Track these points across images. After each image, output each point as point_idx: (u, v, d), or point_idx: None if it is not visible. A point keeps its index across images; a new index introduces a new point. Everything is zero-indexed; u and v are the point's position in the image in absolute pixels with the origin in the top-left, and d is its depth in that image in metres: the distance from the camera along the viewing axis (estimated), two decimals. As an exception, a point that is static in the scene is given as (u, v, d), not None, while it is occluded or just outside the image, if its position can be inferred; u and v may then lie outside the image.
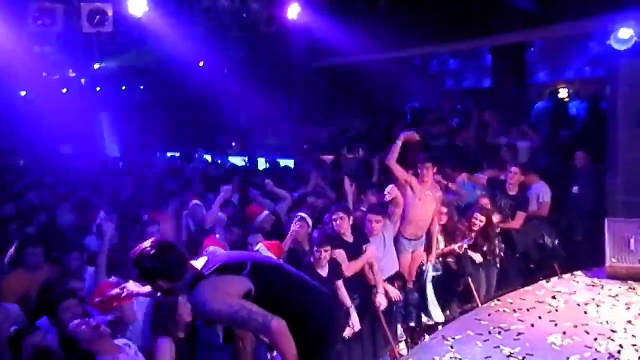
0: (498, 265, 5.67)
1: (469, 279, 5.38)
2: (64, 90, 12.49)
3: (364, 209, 5.06)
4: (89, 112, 12.83)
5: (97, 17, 6.15)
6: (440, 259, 5.33)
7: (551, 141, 7.90)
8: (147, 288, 2.79)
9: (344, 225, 4.47)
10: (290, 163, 9.58)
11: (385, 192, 4.87)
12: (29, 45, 8.06)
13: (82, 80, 12.47)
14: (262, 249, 4.11)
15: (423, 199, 4.95)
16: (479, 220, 5.34)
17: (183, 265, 2.50)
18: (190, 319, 3.59)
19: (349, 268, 4.38)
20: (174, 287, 2.52)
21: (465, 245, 5.29)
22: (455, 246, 5.29)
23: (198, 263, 2.56)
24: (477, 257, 5.40)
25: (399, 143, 4.88)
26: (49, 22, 6.11)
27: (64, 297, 3.41)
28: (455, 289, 5.38)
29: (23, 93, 12.33)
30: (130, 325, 3.55)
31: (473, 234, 5.40)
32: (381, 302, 4.51)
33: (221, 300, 2.39)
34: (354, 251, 4.49)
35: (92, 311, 3.48)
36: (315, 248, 4.10)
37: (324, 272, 4.21)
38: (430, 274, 5.16)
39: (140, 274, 2.52)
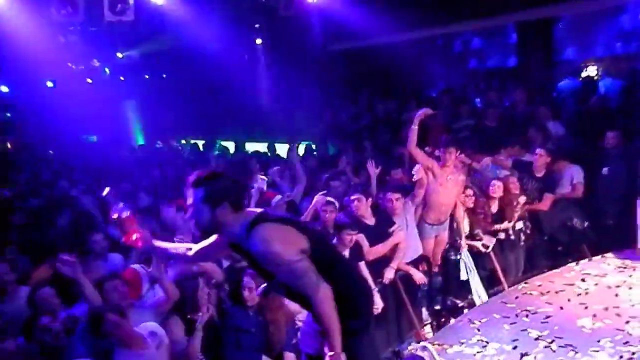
0: (523, 245, 5.59)
1: (495, 262, 5.32)
2: (89, 80, 12.68)
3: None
4: (114, 101, 13.03)
5: (119, 5, 6.20)
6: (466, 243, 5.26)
7: (579, 121, 7.67)
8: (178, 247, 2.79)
9: (362, 207, 4.42)
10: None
11: (413, 172, 4.81)
12: (54, 35, 8.20)
13: (107, 70, 12.63)
14: None
15: (444, 184, 4.88)
16: (497, 186, 5.27)
17: (245, 198, 2.42)
18: (206, 303, 3.57)
19: (373, 252, 4.36)
20: (233, 222, 2.35)
21: (490, 245, 5.21)
22: (479, 244, 5.22)
23: (255, 210, 2.50)
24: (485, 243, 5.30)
25: (416, 127, 4.78)
26: (72, 11, 6.20)
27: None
28: (481, 273, 5.32)
29: (50, 84, 12.57)
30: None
31: (494, 210, 5.31)
32: (388, 276, 4.43)
33: (284, 246, 2.28)
34: (376, 234, 4.45)
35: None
36: (342, 232, 4.09)
37: (345, 254, 4.19)
38: (469, 260, 5.10)
39: (207, 194, 2.33)
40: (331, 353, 2.26)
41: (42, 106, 11.67)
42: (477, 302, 5.03)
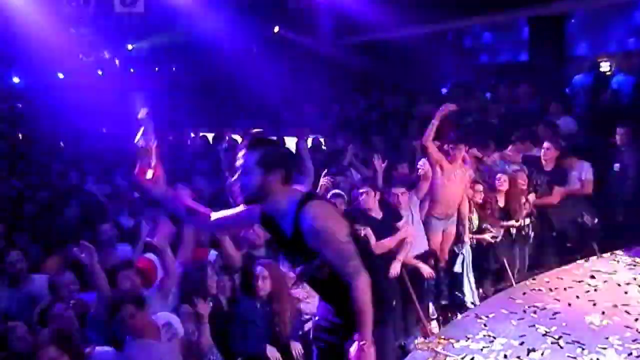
0: (531, 241, 5.56)
1: (504, 258, 5.30)
2: (100, 72, 12.75)
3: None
4: (124, 93, 13.09)
5: (129, -3, 6.22)
6: (474, 238, 5.25)
7: (591, 117, 7.59)
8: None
9: (370, 200, 4.42)
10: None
11: (418, 167, 4.80)
12: (65, 26, 8.24)
13: (117, 62, 12.70)
14: None
15: (452, 179, 4.89)
16: (503, 179, 5.27)
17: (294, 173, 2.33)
18: (215, 292, 3.61)
19: (379, 246, 4.35)
20: (281, 194, 2.25)
21: (498, 236, 5.19)
22: (487, 236, 5.20)
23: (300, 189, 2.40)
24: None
25: (436, 122, 4.80)
26: (83, 3, 6.23)
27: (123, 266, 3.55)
28: (488, 268, 5.31)
29: (61, 75, 12.65)
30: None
31: (501, 205, 5.29)
32: (395, 269, 4.42)
33: (338, 225, 2.23)
34: (383, 228, 4.45)
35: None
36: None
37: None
38: (468, 256, 5.09)
39: (262, 157, 2.22)
40: (363, 342, 2.18)
41: (53, 97, 11.75)
42: (466, 301, 5.00)
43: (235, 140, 10.56)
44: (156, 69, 13.29)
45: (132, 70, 13.13)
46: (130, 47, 11.49)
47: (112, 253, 4.27)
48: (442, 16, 8.76)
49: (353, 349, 2.21)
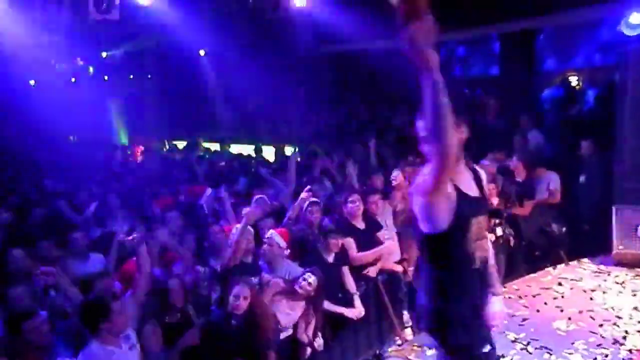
0: (505, 250, 5.69)
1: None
2: (73, 79, 12.56)
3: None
4: (97, 100, 12.91)
5: (104, 4, 6.18)
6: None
7: (559, 130, 7.84)
8: None
9: (358, 210, 4.47)
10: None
11: (392, 177, 4.89)
12: (38, 33, 8.11)
13: (91, 69, 12.52)
14: (275, 235, 4.18)
15: None
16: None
17: None
18: (182, 304, 3.58)
19: (361, 258, 4.39)
20: None
21: None
22: None
23: None
24: None
25: None
26: (57, 9, 6.16)
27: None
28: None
29: (32, 82, 12.41)
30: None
31: None
32: (370, 273, 4.47)
33: None
34: (366, 238, 4.52)
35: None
36: (327, 236, 4.13)
37: (330, 257, 4.25)
38: None
39: None
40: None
41: (25, 105, 11.50)
42: None
43: (209, 149, 10.54)
44: (131, 76, 13.15)
45: (106, 78, 12.97)
46: (104, 54, 11.35)
47: (83, 264, 4.21)
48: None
49: None
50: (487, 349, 2.25)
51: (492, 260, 2.49)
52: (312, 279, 3.83)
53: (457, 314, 2.22)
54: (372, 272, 4.51)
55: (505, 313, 2.78)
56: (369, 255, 4.46)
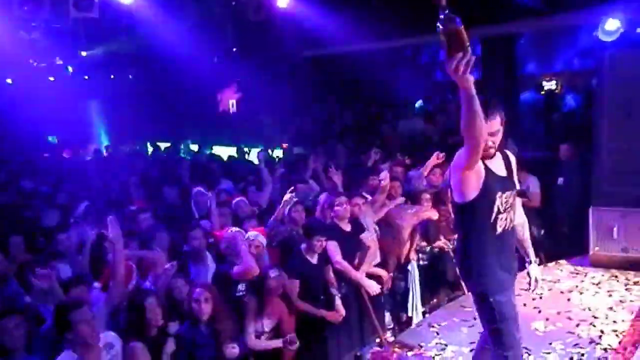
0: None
1: (456, 267, 5.43)
2: (51, 79, 12.33)
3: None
4: (77, 100, 12.69)
5: (84, 2, 6.08)
6: (428, 248, 5.37)
7: (537, 133, 7.98)
8: None
9: (344, 212, 4.46)
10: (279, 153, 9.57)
11: (380, 178, 4.90)
12: (15, 31, 7.95)
13: (70, 68, 12.31)
14: (259, 236, 4.17)
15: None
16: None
17: None
18: (161, 322, 3.42)
19: (341, 265, 4.33)
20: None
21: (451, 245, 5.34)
22: (441, 243, 5.34)
23: None
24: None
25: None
26: (35, 7, 6.03)
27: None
28: (444, 278, 5.42)
29: (9, 80, 12.16)
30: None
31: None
32: (372, 288, 4.48)
33: None
34: (351, 242, 4.52)
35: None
36: (312, 238, 4.13)
37: (313, 259, 4.24)
38: (415, 271, 5.14)
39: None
40: None
41: (2, 104, 11.25)
42: (412, 315, 5.06)
43: (192, 150, 10.44)
44: (112, 76, 12.96)
45: (86, 77, 12.76)
46: (84, 53, 11.16)
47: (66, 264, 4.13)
48: (401, 33, 9.01)
49: None
50: (503, 298, 2.74)
51: (526, 233, 3.02)
52: (276, 274, 3.84)
53: (478, 268, 2.75)
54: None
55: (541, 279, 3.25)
56: (348, 267, 4.39)
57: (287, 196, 4.61)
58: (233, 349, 3.44)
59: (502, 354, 2.73)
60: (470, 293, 2.98)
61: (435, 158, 5.59)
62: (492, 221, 2.68)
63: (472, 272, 2.78)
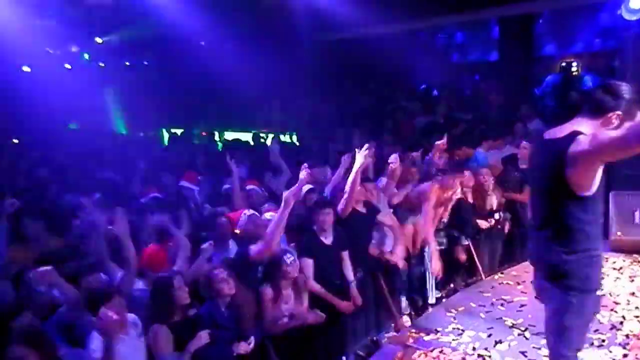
0: (504, 235, 5.72)
1: (473, 252, 5.41)
2: (67, 66, 12.40)
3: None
4: (93, 88, 12.76)
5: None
6: (443, 232, 5.32)
7: (559, 116, 7.81)
8: None
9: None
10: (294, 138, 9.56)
11: (390, 161, 4.86)
12: (31, 18, 7.99)
13: (86, 56, 12.37)
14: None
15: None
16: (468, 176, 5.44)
17: None
18: (188, 301, 3.42)
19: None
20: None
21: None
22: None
23: None
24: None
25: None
26: (50, -6, 6.05)
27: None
28: (460, 263, 5.39)
29: (26, 69, 12.26)
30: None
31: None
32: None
33: None
34: (367, 222, 4.52)
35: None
36: (316, 212, 4.11)
37: (328, 240, 4.21)
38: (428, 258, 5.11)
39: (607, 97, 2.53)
40: None
41: (19, 92, 11.37)
42: (429, 299, 5.06)
43: (207, 136, 10.45)
44: (127, 63, 13.00)
45: (101, 64, 12.82)
46: (99, 40, 11.19)
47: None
48: (415, 15, 8.86)
49: None
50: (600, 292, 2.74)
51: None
52: (291, 259, 3.80)
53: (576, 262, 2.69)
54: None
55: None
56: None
57: (302, 174, 4.45)
58: (249, 345, 3.44)
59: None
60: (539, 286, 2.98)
61: (441, 145, 5.51)
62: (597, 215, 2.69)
63: (580, 267, 2.68)
